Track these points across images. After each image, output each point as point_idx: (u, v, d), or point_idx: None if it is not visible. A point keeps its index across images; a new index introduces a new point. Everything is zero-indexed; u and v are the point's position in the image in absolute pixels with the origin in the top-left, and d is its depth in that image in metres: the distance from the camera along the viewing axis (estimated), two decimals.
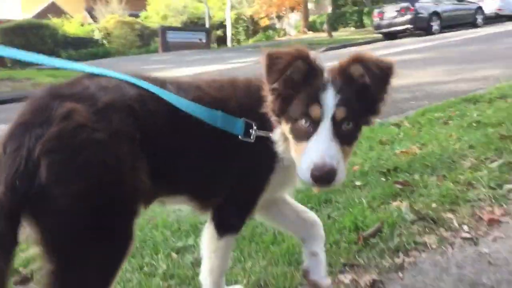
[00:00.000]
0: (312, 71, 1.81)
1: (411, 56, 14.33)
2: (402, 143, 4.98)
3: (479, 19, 26.17)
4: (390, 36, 24.63)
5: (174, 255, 2.98)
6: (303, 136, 1.76)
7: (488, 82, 8.54)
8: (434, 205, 3.16)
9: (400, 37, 24.48)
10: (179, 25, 35.57)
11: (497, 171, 3.60)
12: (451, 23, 24.76)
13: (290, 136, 1.83)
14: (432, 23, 23.94)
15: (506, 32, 19.77)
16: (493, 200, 3.16)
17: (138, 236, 3.17)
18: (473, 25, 25.55)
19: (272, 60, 1.77)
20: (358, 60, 1.79)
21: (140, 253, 3.02)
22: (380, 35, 25.39)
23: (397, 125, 5.81)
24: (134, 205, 1.73)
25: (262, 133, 1.94)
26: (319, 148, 1.68)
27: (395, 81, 1.84)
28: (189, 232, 3.32)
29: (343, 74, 1.81)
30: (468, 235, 2.76)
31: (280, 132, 1.90)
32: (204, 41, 31.82)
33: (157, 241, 3.21)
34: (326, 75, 1.82)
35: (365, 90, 1.79)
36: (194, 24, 36.62)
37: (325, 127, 1.72)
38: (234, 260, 2.74)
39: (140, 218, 1.85)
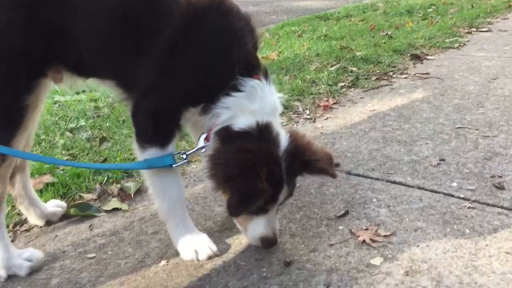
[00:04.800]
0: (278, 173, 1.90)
1: None
2: (263, 50, 5.73)
3: None
4: None
5: (68, 133, 3.39)
6: (253, 211, 1.93)
7: (339, 2, 9.64)
8: (286, 96, 3.98)
9: None
10: None
11: (334, 73, 4.54)
12: None
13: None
14: None
15: None
16: (329, 93, 4.09)
17: None
18: None
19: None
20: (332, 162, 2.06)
21: (35, 133, 3.36)
22: None
23: None
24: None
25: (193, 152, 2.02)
26: (270, 225, 1.98)
27: None
28: (78, 117, 3.71)
29: (301, 162, 1.97)
30: (308, 116, 3.65)
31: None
32: None
33: (47, 125, 3.55)
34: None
35: None
36: None
37: (275, 210, 2.01)
38: None
39: None
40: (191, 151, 2.01)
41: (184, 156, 1.99)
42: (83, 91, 4.39)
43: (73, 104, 4.06)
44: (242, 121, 1.90)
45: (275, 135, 1.93)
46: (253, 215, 1.96)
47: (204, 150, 1.97)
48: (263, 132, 1.90)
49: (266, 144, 1.88)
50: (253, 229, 1.99)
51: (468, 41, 5.79)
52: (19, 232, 2.31)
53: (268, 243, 2.01)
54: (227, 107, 1.90)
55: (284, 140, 1.94)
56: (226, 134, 1.91)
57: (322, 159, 2.00)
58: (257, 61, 2.01)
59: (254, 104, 1.91)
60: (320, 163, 1.98)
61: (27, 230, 2.32)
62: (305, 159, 1.97)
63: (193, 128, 2.18)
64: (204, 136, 1.98)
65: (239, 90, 1.90)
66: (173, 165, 1.94)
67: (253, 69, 1.95)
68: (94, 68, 2.03)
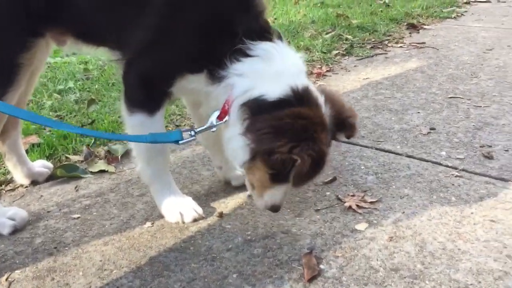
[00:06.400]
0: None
1: None
2: None
3: None
4: None
5: (56, 95, 3.34)
6: (275, 182, 1.81)
7: None
8: None
9: None
10: None
11: (329, 40, 4.48)
12: None
13: (263, 175, 1.79)
14: None
15: None
16: (323, 61, 4.04)
17: None
18: None
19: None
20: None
21: None
22: None
23: None
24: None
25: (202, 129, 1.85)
26: (279, 197, 1.85)
27: None
28: (67, 79, 3.65)
29: (339, 124, 1.86)
30: None
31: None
32: None
33: (35, 86, 3.48)
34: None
35: None
36: None
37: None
38: None
39: None
40: (200, 129, 1.84)
41: (193, 133, 1.85)
42: (74, 54, 4.33)
43: (63, 66, 4.00)
44: (271, 89, 1.71)
45: (317, 99, 1.77)
46: (276, 183, 1.81)
47: (214, 129, 1.82)
48: (304, 97, 1.73)
49: (316, 109, 1.75)
50: (269, 197, 1.86)
51: (466, 11, 5.72)
52: (3, 191, 2.29)
53: (276, 209, 1.92)
54: (241, 75, 1.74)
55: (323, 103, 1.79)
56: (258, 106, 1.72)
57: (353, 115, 1.91)
58: (267, 24, 1.86)
59: (274, 67, 1.74)
60: (352, 119, 1.90)
61: (12, 190, 2.30)
62: (341, 117, 1.86)
63: (203, 104, 1.96)
64: (216, 114, 1.81)
65: (249, 55, 1.74)
66: (180, 142, 1.82)
67: (264, 32, 1.79)
68: (93, 29, 1.91)
